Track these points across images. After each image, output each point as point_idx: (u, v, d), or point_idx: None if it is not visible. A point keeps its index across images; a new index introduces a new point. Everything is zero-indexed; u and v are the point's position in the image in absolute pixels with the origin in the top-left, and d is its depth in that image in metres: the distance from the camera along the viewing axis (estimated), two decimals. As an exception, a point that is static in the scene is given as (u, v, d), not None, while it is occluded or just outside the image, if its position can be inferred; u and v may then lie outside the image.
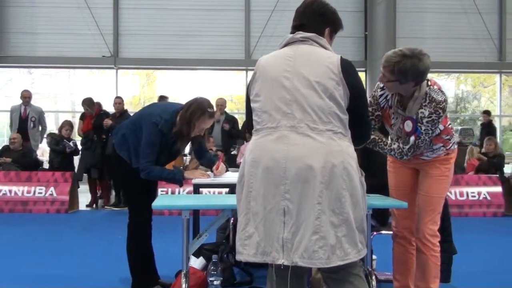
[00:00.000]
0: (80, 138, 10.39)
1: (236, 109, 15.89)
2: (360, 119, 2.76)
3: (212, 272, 4.09)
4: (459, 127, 14.64)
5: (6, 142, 12.55)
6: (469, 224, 8.11)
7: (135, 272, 4.30)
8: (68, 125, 10.40)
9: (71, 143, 10.16)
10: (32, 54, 14.86)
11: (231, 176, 4.65)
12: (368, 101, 3.55)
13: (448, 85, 17.08)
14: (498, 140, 12.96)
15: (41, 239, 6.87)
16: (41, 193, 9.35)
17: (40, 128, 11.03)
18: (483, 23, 14.96)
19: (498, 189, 9.35)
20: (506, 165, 11.60)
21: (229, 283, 4.46)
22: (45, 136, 11.00)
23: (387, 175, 3.91)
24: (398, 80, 3.39)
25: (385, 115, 3.70)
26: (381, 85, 3.62)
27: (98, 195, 10.20)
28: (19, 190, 9.39)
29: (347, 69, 2.66)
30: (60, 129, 10.47)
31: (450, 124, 3.69)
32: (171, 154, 4.35)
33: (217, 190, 8.00)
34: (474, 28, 15.07)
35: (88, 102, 10.12)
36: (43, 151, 12.54)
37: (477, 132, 14.37)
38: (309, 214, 2.52)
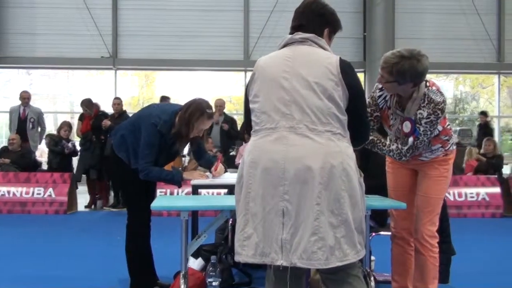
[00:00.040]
0: (78, 139, 10.39)
1: (235, 110, 15.88)
2: (359, 120, 2.76)
3: (211, 273, 4.09)
4: (458, 128, 14.64)
5: (4, 143, 12.53)
6: (468, 225, 8.12)
7: (134, 273, 4.30)
8: (67, 126, 10.40)
9: (69, 144, 10.15)
10: (31, 55, 14.86)
11: (229, 177, 4.65)
12: (367, 102, 3.55)
13: (446, 86, 17.09)
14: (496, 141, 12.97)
15: (40, 240, 6.86)
16: (39, 194, 9.34)
17: (39, 129, 11.02)
18: (482, 24, 14.97)
19: (497, 190, 9.36)
20: (504, 166, 11.62)
21: (227, 284, 4.46)
22: (44, 137, 10.99)
23: (386, 176, 3.91)
24: (396, 81, 3.40)
25: (384, 116, 3.70)
26: (380, 86, 3.63)
27: (97, 196, 10.18)
28: (18, 191, 9.38)
29: (346, 70, 2.66)
30: (59, 130, 10.47)
31: (448, 125, 3.69)
32: (170, 155, 4.36)
33: (215, 191, 8.01)
34: (472, 29, 15.08)
35: (87, 103, 10.13)
36: (41, 152, 12.53)
37: (474, 133, 14.38)
38: (308, 215, 2.52)
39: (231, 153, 9.30)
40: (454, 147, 3.75)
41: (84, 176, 10.12)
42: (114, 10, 14.94)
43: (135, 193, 4.26)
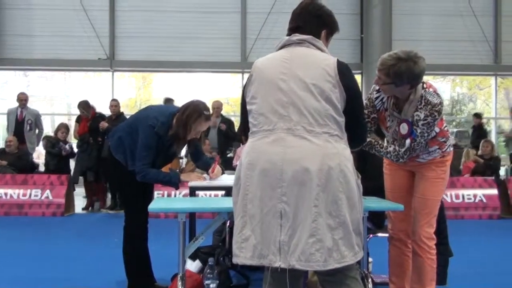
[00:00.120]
0: (76, 141, 10.37)
1: (232, 111, 15.87)
2: (356, 122, 2.77)
3: (209, 275, 4.09)
4: (455, 130, 14.66)
5: (1, 145, 12.51)
6: (465, 227, 8.12)
7: (131, 274, 4.30)
8: (64, 127, 10.38)
9: (67, 146, 10.14)
10: (28, 57, 14.83)
11: (227, 179, 4.65)
12: (364, 104, 3.56)
13: (443, 87, 17.12)
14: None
15: (37, 242, 6.84)
16: (37, 196, 9.32)
17: (37, 131, 11.00)
18: (479, 25, 15.00)
19: (494, 191, 9.37)
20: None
21: (225, 286, 4.45)
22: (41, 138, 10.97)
23: (383, 177, 3.91)
24: (393, 83, 3.40)
25: (381, 117, 3.71)
26: (377, 87, 3.63)
27: (95, 198, 10.16)
28: (15, 193, 9.36)
29: (344, 72, 2.67)
30: (56, 132, 10.45)
31: (446, 126, 3.69)
32: (167, 156, 4.35)
33: (213, 192, 7.99)
34: (469, 30, 15.11)
35: (84, 105, 10.11)
36: (38, 154, 12.51)
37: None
38: (305, 217, 2.52)
39: (228, 155, 9.29)
40: (451, 148, 3.75)
41: (81, 178, 10.10)
42: (111, 12, 14.92)
43: (133, 195, 4.25)
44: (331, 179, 2.53)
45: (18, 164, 10.08)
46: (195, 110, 4.12)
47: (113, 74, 15.49)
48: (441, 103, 3.47)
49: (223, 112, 10.47)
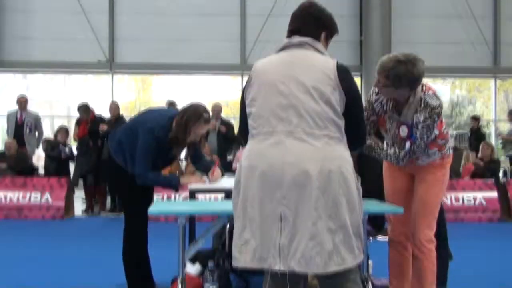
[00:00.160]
0: (75, 144, 10.36)
1: (232, 114, 15.86)
2: (356, 124, 2.76)
3: (208, 278, 4.08)
4: (455, 132, 14.65)
5: (1, 147, 12.49)
6: (465, 229, 8.11)
7: (131, 277, 4.30)
8: (63, 130, 10.38)
9: (66, 149, 10.13)
10: (27, 59, 14.83)
11: (227, 182, 4.64)
12: (363, 106, 3.55)
13: (443, 90, 17.11)
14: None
15: (37, 245, 6.84)
16: (36, 199, 9.31)
17: (36, 133, 10.99)
18: (478, 28, 15.01)
19: (494, 194, 9.36)
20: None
21: (225, 289, 4.45)
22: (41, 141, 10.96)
23: (383, 180, 3.91)
24: (393, 85, 3.40)
25: (381, 120, 3.70)
26: (376, 90, 3.63)
27: (94, 200, 10.15)
28: (14, 196, 9.34)
29: (343, 74, 2.67)
30: (55, 135, 10.45)
31: (445, 129, 3.69)
32: (167, 159, 4.35)
33: (213, 195, 7.99)
34: (469, 33, 15.11)
35: (83, 108, 10.11)
36: (38, 157, 12.50)
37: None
38: (305, 220, 2.51)
39: (228, 158, 9.28)
40: (451, 151, 3.75)
41: (81, 181, 10.09)
42: (110, 15, 14.92)
43: (132, 198, 4.25)
44: (331, 182, 2.52)
45: (18, 167, 10.07)
46: (195, 113, 4.12)
47: (112, 77, 15.48)
48: (440, 106, 3.47)
49: (223, 115, 10.47)
